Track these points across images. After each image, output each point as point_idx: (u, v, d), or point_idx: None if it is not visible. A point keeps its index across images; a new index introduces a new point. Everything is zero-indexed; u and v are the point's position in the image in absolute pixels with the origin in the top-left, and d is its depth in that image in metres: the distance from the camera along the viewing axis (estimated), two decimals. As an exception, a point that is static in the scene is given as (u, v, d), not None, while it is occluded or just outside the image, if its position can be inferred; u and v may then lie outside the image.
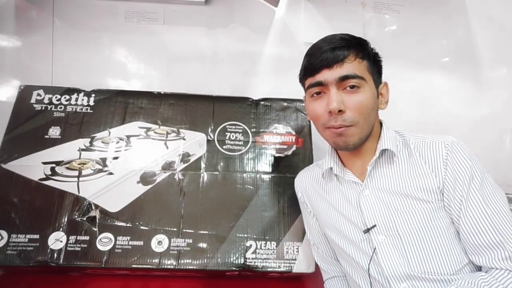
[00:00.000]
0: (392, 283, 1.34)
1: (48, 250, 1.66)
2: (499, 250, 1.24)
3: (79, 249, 1.67)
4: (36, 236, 1.68)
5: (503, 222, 1.27)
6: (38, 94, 1.99)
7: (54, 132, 1.91)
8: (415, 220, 1.36)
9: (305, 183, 1.76)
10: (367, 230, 1.42)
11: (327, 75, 1.42)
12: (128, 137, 1.93)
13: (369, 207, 1.45)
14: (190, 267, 1.69)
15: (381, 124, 1.57)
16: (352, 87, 1.41)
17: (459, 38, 2.61)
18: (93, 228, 1.72)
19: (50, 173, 1.82)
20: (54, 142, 1.90)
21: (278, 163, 1.95)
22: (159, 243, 1.71)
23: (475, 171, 1.34)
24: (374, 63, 1.51)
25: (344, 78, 1.40)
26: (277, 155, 1.97)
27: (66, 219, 1.73)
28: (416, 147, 1.45)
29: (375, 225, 1.41)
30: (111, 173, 1.84)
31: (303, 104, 2.06)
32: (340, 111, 1.39)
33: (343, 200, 1.56)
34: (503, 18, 2.64)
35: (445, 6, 2.60)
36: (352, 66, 1.42)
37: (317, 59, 1.44)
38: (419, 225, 1.35)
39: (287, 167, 1.95)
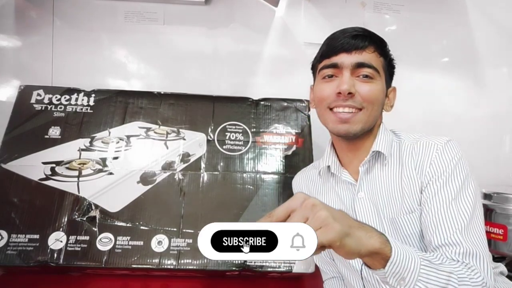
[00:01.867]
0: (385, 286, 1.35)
1: (48, 250, 1.65)
2: (454, 246, 1.22)
3: (79, 249, 1.67)
4: (36, 236, 1.68)
5: (468, 226, 1.24)
6: (38, 94, 1.99)
7: (54, 132, 1.91)
8: (403, 229, 1.37)
9: (301, 185, 1.76)
10: None
11: (344, 58, 1.43)
12: (128, 137, 1.93)
13: (362, 211, 1.46)
14: (190, 267, 1.68)
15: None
16: (366, 76, 1.42)
17: (459, 38, 2.61)
18: (93, 228, 1.71)
19: (50, 173, 1.82)
20: (54, 142, 1.89)
21: (278, 163, 1.95)
22: (159, 243, 1.71)
23: (457, 172, 1.33)
24: (389, 65, 1.53)
25: (360, 65, 1.42)
26: (277, 155, 1.96)
27: (66, 219, 1.73)
28: (409, 149, 1.45)
29: None
30: (111, 173, 1.84)
31: (303, 104, 2.07)
32: (350, 93, 1.39)
33: (338, 202, 1.56)
34: (503, 18, 2.64)
35: (445, 6, 2.60)
36: (370, 57, 1.44)
37: (338, 42, 1.45)
38: (407, 233, 1.36)
39: (287, 167, 1.95)
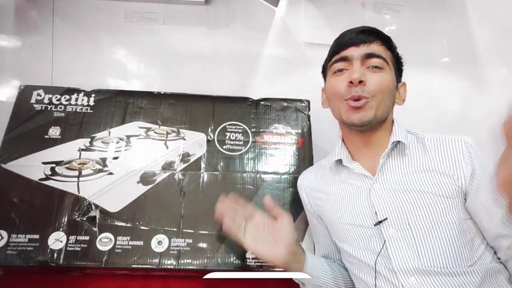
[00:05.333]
0: (400, 277, 1.34)
1: (48, 250, 1.65)
2: None
3: (79, 249, 1.67)
4: (36, 236, 1.68)
5: None
6: (38, 94, 1.99)
7: (54, 132, 1.91)
8: (427, 214, 1.37)
9: (309, 183, 1.77)
10: (379, 223, 1.42)
11: (353, 51, 1.50)
12: (128, 137, 1.93)
13: (380, 201, 1.45)
14: (190, 267, 1.68)
15: (392, 121, 1.59)
16: (376, 67, 1.47)
17: (459, 38, 2.61)
18: (93, 228, 1.72)
19: (50, 173, 1.82)
20: (54, 142, 1.89)
21: (278, 163, 1.95)
22: (159, 243, 1.71)
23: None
24: (397, 60, 1.60)
25: (370, 55, 1.48)
26: (277, 155, 1.96)
27: (66, 219, 1.72)
28: (432, 144, 1.47)
29: (386, 218, 1.41)
30: (111, 173, 1.84)
31: (304, 104, 2.07)
32: (361, 81, 1.43)
33: (350, 196, 1.56)
34: (503, 18, 2.64)
35: (445, 6, 2.60)
36: (378, 49, 1.51)
37: (346, 38, 1.53)
38: (431, 219, 1.36)
39: (287, 167, 1.95)
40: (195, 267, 1.69)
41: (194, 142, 1.94)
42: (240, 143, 1.97)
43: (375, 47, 1.50)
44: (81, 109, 1.97)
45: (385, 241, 1.40)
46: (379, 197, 1.46)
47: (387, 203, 1.44)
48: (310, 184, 1.76)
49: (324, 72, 1.70)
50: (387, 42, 1.55)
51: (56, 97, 1.99)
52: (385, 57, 1.50)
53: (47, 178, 1.81)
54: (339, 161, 1.63)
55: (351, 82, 1.45)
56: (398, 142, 1.50)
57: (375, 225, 1.44)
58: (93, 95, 2.01)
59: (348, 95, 1.47)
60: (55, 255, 1.65)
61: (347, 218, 1.55)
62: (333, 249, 1.72)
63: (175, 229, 1.75)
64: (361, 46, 1.49)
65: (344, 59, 1.51)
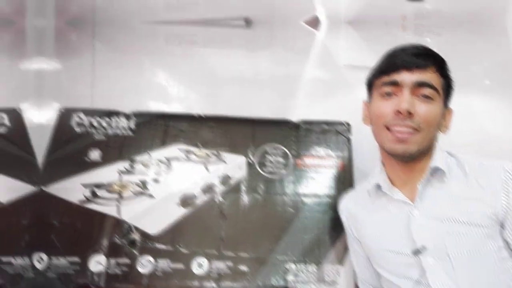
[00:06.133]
0: None
1: (89, 273, 1.66)
2: None
3: (120, 272, 1.67)
4: (77, 259, 1.68)
5: None
6: (78, 117, 2.00)
7: (95, 155, 1.92)
8: (466, 244, 1.33)
9: (349, 207, 1.74)
10: (417, 252, 1.39)
11: (405, 76, 1.41)
12: (168, 159, 1.93)
13: (419, 229, 1.42)
14: (231, 291, 1.67)
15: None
16: (426, 96, 1.41)
17: (500, 60, 2.58)
18: (134, 251, 1.71)
19: (90, 195, 1.82)
20: (94, 165, 1.90)
21: (319, 186, 1.93)
22: (199, 265, 1.70)
23: None
24: (448, 85, 1.52)
25: (422, 84, 1.40)
26: (318, 178, 1.94)
27: (106, 242, 1.73)
28: (472, 169, 1.43)
29: (425, 248, 1.38)
30: (151, 196, 1.84)
31: (344, 127, 2.04)
32: (409, 113, 1.38)
33: (389, 222, 1.53)
34: (546, 40, 2.61)
35: (486, 28, 2.58)
36: (432, 76, 1.42)
37: (399, 59, 1.45)
38: (470, 249, 1.32)
39: (327, 190, 1.93)
40: (236, 290, 1.67)
41: (235, 165, 1.94)
42: (281, 165, 1.95)
43: (429, 75, 1.42)
44: (121, 131, 1.98)
45: (424, 271, 1.38)
46: (417, 225, 1.43)
47: (426, 232, 1.41)
48: (350, 208, 1.73)
49: (369, 85, 1.63)
50: (441, 67, 1.47)
51: (96, 119, 2.00)
52: (437, 86, 1.43)
53: (87, 200, 1.81)
54: (378, 187, 1.60)
55: (399, 111, 1.40)
56: (438, 168, 1.47)
57: (413, 254, 1.41)
58: (133, 117, 2.01)
59: (393, 122, 1.42)
60: (95, 277, 1.65)
61: (385, 244, 1.53)
62: (374, 274, 1.69)
63: (215, 252, 1.74)
64: (414, 71, 1.41)
65: (394, 83, 1.44)
